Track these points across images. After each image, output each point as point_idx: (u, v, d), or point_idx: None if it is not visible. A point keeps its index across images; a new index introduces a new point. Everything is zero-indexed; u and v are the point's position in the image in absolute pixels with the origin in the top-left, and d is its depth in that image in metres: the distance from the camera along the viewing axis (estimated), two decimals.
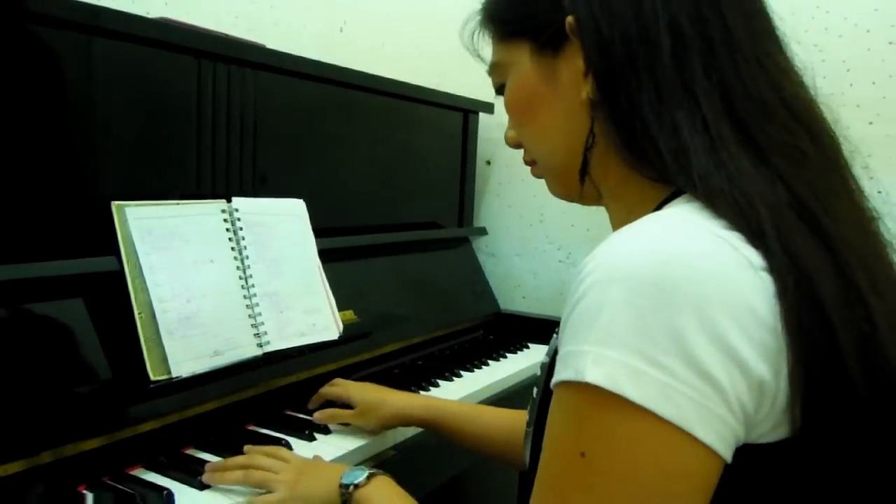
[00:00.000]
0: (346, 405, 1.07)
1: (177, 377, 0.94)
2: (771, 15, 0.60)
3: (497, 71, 0.68)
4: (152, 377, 0.92)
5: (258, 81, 1.14)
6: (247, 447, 0.92)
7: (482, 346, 1.60)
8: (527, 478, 0.58)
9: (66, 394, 0.84)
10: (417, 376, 1.31)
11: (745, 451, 0.48)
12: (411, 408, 1.02)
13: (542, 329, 1.67)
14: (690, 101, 0.54)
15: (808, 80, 0.59)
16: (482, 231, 1.85)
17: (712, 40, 0.55)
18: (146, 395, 0.91)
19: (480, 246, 1.88)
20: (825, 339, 0.47)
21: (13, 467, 0.77)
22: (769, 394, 0.47)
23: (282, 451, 0.90)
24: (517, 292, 1.88)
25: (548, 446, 0.51)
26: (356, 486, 0.77)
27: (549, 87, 0.62)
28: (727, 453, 0.46)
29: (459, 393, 1.27)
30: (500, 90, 0.69)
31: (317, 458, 0.93)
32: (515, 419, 0.96)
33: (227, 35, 1.14)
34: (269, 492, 0.82)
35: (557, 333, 0.64)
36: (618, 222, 0.64)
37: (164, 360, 0.94)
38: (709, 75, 0.55)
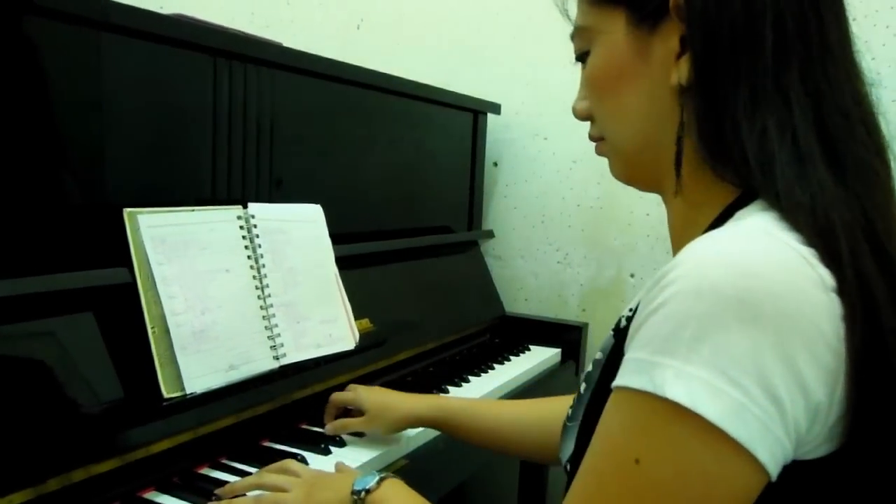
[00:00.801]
0: (359, 412, 1.04)
1: (191, 394, 0.90)
2: (849, 17, 0.58)
3: (583, 35, 0.64)
4: (165, 394, 0.88)
5: (275, 81, 1.10)
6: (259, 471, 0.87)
7: (488, 350, 1.60)
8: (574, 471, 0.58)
9: (75, 414, 0.80)
10: (429, 383, 1.30)
11: (790, 467, 0.49)
12: (420, 408, 1.00)
13: (542, 331, 1.70)
14: (784, 107, 0.52)
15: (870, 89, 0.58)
16: (490, 234, 1.84)
17: (811, 43, 0.54)
18: (159, 413, 0.87)
19: (487, 248, 1.87)
20: (883, 364, 0.47)
21: (18, 497, 0.72)
22: (822, 414, 0.47)
23: (292, 464, 0.86)
24: (520, 294, 1.88)
25: (600, 446, 0.51)
26: (368, 492, 0.75)
27: (638, 64, 0.59)
28: (776, 472, 0.47)
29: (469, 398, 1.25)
30: (581, 57, 0.65)
31: (338, 464, 0.91)
32: (523, 411, 0.97)
33: (242, 32, 1.09)
34: None
35: (613, 331, 0.65)
36: (678, 217, 0.62)
37: (178, 376, 0.89)
38: (804, 81, 0.53)
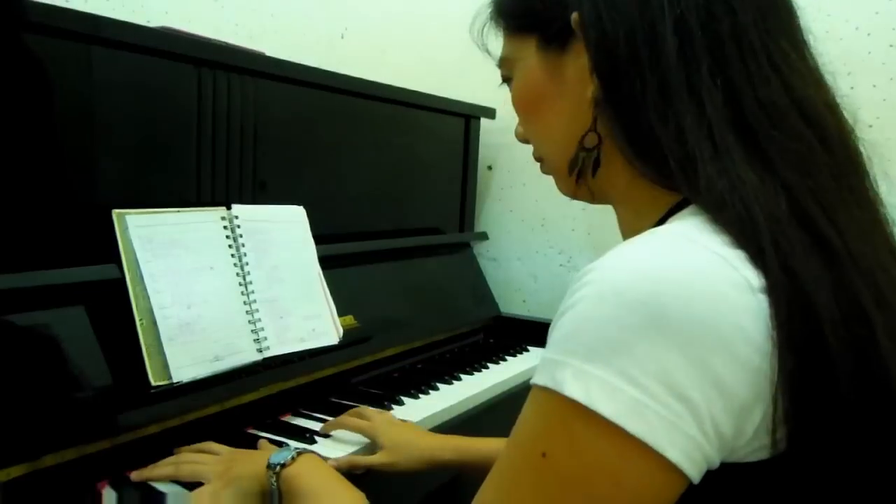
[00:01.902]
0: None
1: (178, 382, 0.95)
2: (791, 8, 0.58)
3: (505, 65, 0.67)
4: (153, 383, 0.93)
5: (258, 89, 1.15)
6: (177, 449, 0.93)
7: (482, 349, 1.60)
8: None
9: (68, 399, 0.85)
10: (417, 379, 1.32)
11: (725, 471, 0.48)
12: (442, 450, 0.97)
13: (542, 332, 1.61)
14: (696, 105, 0.52)
15: (829, 78, 0.57)
16: (483, 236, 1.85)
17: (721, 38, 0.54)
18: (147, 399, 0.92)
19: (482, 251, 1.89)
20: (819, 360, 0.46)
21: (15, 471, 0.79)
22: (752, 416, 0.47)
23: (212, 445, 0.90)
24: (517, 296, 1.88)
25: (513, 439, 0.52)
26: (283, 466, 0.78)
27: (554, 84, 0.61)
28: (694, 472, 0.47)
29: (459, 396, 1.27)
30: (506, 82, 0.68)
31: (261, 442, 0.94)
32: None
33: (227, 43, 1.15)
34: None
35: None
36: (625, 225, 0.64)
37: (165, 365, 0.94)
38: (714, 76, 0.53)
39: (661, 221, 0.56)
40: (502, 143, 1.87)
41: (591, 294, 0.48)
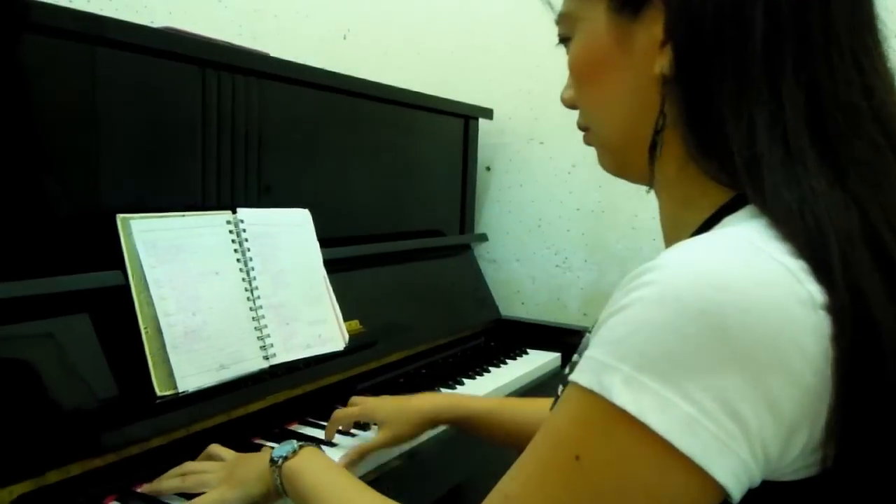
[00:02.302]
0: (365, 426, 1.04)
1: (183, 392, 0.93)
2: (874, 1, 0.53)
3: (565, 22, 0.61)
4: (158, 392, 0.91)
5: (263, 90, 1.13)
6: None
7: (483, 353, 1.60)
8: None
9: (72, 411, 0.83)
10: (421, 385, 1.31)
11: (765, 489, 0.46)
12: (438, 407, 0.98)
13: (540, 335, 1.68)
14: (774, 101, 0.48)
15: None
16: (483, 237, 1.85)
17: (810, 28, 0.49)
18: (153, 410, 0.90)
19: (481, 252, 1.88)
20: (876, 386, 0.44)
21: (19, 488, 0.76)
22: (800, 438, 0.45)
23: (217, 449, 0.89)
24: (516, 298, 1.88)
25: (547, 433, 0.49)
26: (285, 459, 0.77)
27: (620, 53, 0.56)
28: (737, 493, 0.45)
29: None
30: (563, 42, 0.62)
31: (264, 448, 0.92)
32: (537, 410, 0.95)
33: (231, 44, 1.13)
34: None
35: (590, 332, 0.63)
36: (668, 215, 0.60)
37: (171, 374, 0.92)
38: (798, 73, 0.49)
39: (714, 218, 0.52)
40: (499, 143, 1.87)
41: (649, 297, 0.45)
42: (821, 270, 0.44)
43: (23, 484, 0.76)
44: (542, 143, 1.82)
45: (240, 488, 0.80)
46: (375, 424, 1.01)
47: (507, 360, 1.54)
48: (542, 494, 0.47)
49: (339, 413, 1.03)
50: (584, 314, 1.79)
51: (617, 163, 0.62)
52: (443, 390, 1.30)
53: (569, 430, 0.47)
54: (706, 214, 0.53)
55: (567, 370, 0.69)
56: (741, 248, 0.46)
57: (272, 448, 0.83)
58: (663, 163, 0.57)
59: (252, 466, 0.81)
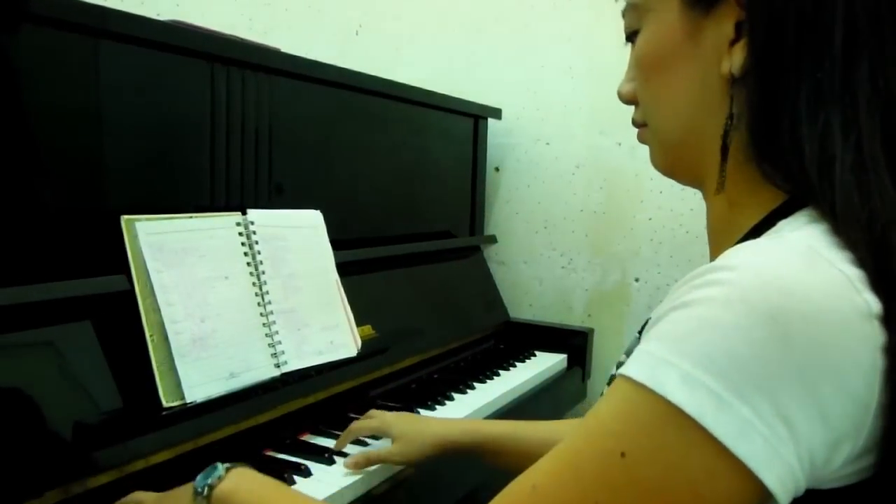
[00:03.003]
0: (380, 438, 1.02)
1: (191, 402, 0.89)
2: None
3: (633, 13, 0.60)
4: (165, 403, 0.87)
5: (273, 87, 1.09)
6: None
7: (493, 356, 1.59)
8: None
9: (73, 425, 0.79)
10: (433, 390, 1.29)
11: (808, 496, 0.46)
12: (454, 432, 0.96)
13: (548, 337, 1.68)
14: (850, 107, 0.49)
15: None
16: (492, 239, 1.83)
17: (884, 41, 0.49)
18: (159, 423, 0.86)
19: (490, 254, 1.86)
20: None
21: None
22: (846, 447, 0.44)
23: (139, 495, 0.79)
24: (524, 300, 1.87)
25: (588, 428, 0.48)
26: (211, 487, 0.69)
27: (689, 48, 0.55)
28: (784, 498, 0.44)
29: (473, 405, 1.26)
30: (630, 37, 0.61)
31: None
32: (554, 432, 0.94)
33: (241, 39, 1.09)
34: None
35: (639, 333, 0.62)
36: (717, 217, 0.58)
37: (178, 384, 0.88)
38: (875, 80, 0.49)
39: (767, 221, 0.52)
40: (507, 143, 1.84)
41: (716, 296, 0.44)
42: (880, 280, 0.44)
43: None
44: (548, 143, 1.80)
45: None
46: (389, 438, 0.98)
47: (516, 363, 1.54)
48: (576, 489, 0.46)
49: (356, 425, 1.01)
50: (589, 315, 1.80)
51: (671, 161, 0.61)
52: (455, 396, 1.28)
53: (613, 425, 0.46)
54: (756, 218, 0.53)
55: (607, 379, 0.67)
56: (804, 254, 0.45)
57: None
58: (718, 164, 0.55)
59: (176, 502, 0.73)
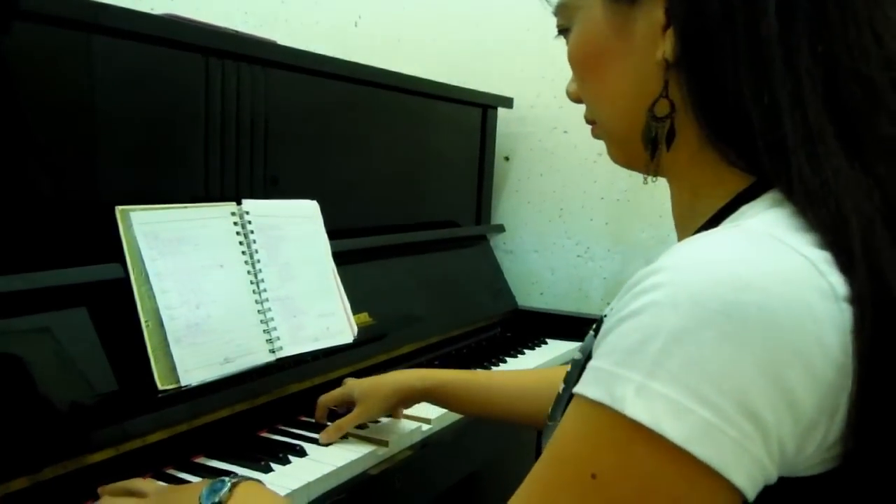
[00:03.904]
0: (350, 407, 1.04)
1: (186, 386, 0.91)
2: None
3: (563, 13, 0.60)
4: (160, 387, 0.89)
5: (269, 79, 1.11)
6: (100, 489, 0.81)
7: (499, 343, 1.59)
8: None
9: (70, 406, 0.82)
10: None
11: (782, 485, 0.45)
12: (410, 380, 1.00)
13: (560, 325, 1.67)
14: (792, 79, 0.46)
15: None
16: (500, 228, 1.82)
17: (824, 2, 0.47)
18: (154, 404, 0.89)
19: (498, 243, 1.86)
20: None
21: (15, 484, 0.75)
22: (818, 433, 0.43)
23: (137, 483, 0.79)
24: (535, 289, 1.86)
25: (555, 453, 0.46)
26: (217, 503, 0.68)
27: (619, 40, 0.54)
28: (752, 493, 0.43)
29: None
30: (562, 33, 0.61)
31: (204, 481, 0.74)
32: (515, 377, 0.98)
33: (236, 31, 1.10)
34: None
35: (594, 331, 0.62)
36: (681, 204, 0.58)
37: (173, 368, 0.91)
38: (814, 46, 0.47)
39: (730, 206, 0.50)
40: (519, 132, 1.83)
41: (661, 300, 0.42)
42: (842, 258, 0.43)
43: (19, 480, 0.75)
44: (566, 131, 1.78)
45: None
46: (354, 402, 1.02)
47: (525, 350, 1.54)
48: None
49: (323, 397, 1.05)
50: (608, 304, 1.75)
51: (625, 154, 0.60)
52: None
53: (578, 449, 0.45)
54: (721, 202, 0.51)
55: (563, 375, 0.67)
56: (760, 241, 0.44)
57: (204, 480, 0.73)
58: (674, 150, 0.54)
59: None
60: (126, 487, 0.79)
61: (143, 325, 0.90)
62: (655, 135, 0.53)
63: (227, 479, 0.70)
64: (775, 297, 0.41)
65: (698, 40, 0.49)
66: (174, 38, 0.97)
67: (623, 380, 0.42)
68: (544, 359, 1.49)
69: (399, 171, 1.46)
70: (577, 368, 0.61)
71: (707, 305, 0.41)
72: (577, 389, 0.45)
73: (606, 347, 0.44)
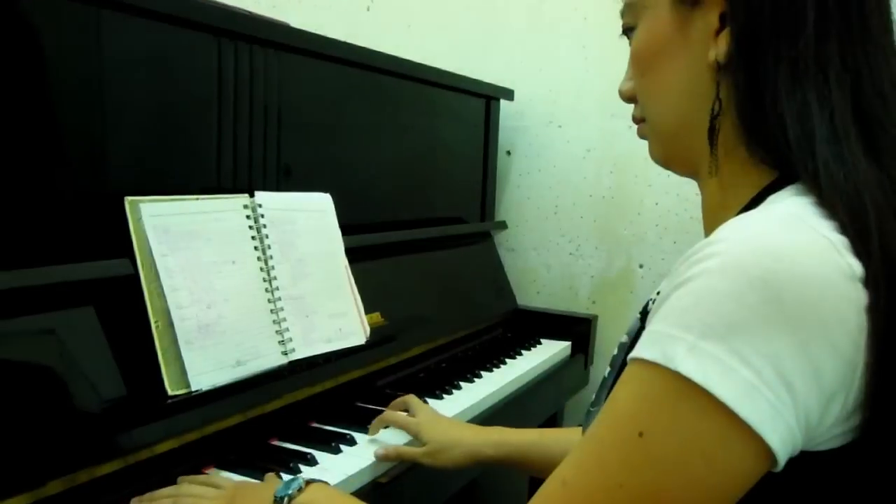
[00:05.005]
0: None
1: (197, 391, 0.86)
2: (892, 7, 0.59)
3: (630, 11, 0.64)
4: (170, 392, 0.84)
5: (282, 63, 1.05)
6: (180, 478, 0.84)
7: (501, 344, 1.57)
8: None
9: (75, 413, 0.76)
10: (441, 380, 1.27)
11: (801, 459, 0.48)
12: (486, 447, 0.95)
13: (553, 324, 1.67)
14: (824, 84, 0.52)
15: None
16: (503, 225, 1.79)
17: (850, 22, 0.54)
18: (164, 411, 0.83)
19: (500, 240, 1.83)
20: None
21: (16, 502, 0.69)
22: (836, 405, 0.47)
23: (214, 478, 0.83)
24: (532, 287, 1.84)
25: (607, 415, 0.50)
26: (290, 498, 0.73)
27: (680, 41, 0.59)
28: (783, 460, 0.47)
29: (480, 394, 1.25)
30: (626, 33, 0.65)
31: (268, 475, 0.84)
32: (578, 436, 0.92)
33: (249, 12, 1.05)
34: None
35: (641, 315, 0.65)
36: (711, 199, 0.61)
37: (183, 372, 0.86)
38: (844, 59, 0.53)
39: (757, 199, 0.55)
40: (519, 126, 1.79)
41: (713, 267, 0.47)
42: (860, 242, 0.47)
43: (20, 497, 0.69)
44: (560, 126, 1.76)
45: None
46: (421, 442, 0.97)
47: (523, 352, 1.53)
48: (601, 477, 0.49)
49: (392, 416, 1.01)
50: (593, 302, 1.78)
51: (667, 152, 0.64)
52: (463, 385, 1.26)
53: (631, 407, 0.48)
54: (749, 195, 0.56)
55: (610, 360, 0.70)
56: (790, 222, 0.48)
57: (275, 477, 0.81)
58: (710, 149, 0.59)
59: (253, 502, 0.75)
60: (205, 480, 0.82)
61: (153, 325, 0.84)
62: (713, 130, 0.58)
63: (300, 477, 0.75)
64: (804, 270, 0.45)
65: (750, 44, 0.54)
66: (186, 17, 0.92)
67: (677, 340, 0.46)
68: (539, 359, 1.48)
69: (408, 162, 1.42)
70: (624, 351, 0.65)
71: (750, 272, 0.45)
72: (633, 354, 0.49)
73: (663, 312, 0.48)
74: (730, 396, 0.44)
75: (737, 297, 0.45)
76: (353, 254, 1.14)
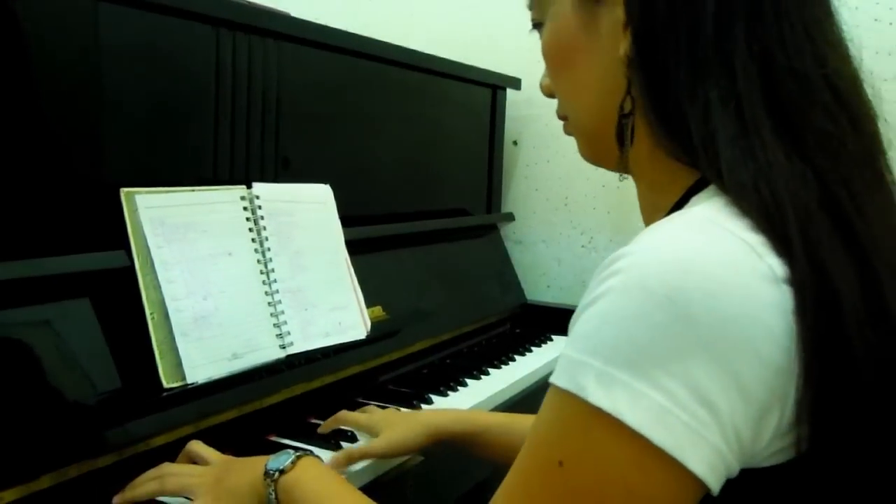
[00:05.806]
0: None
1: (192, 384, 0.86)
2: None
3: (536, 8, 0.61)
4: (166, 384, 0.84)
5: (282, 53, 1.04)
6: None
7: (509, 340, 1.54)
8: None
9: (69, 406, 0.76)
10: (446, 376, 1.25)
11: (744, 477, 0.46)
12: (443, 422, 0.92)
13: (565, 320, 1.57)
14: (727, 76, 0.49)
15: (854, 52, 0.53)
16: (510, 217, 1.77)
17: (760, 4, 0.50)
18: (159, 404, 0.83)
19: (507, 233, 1.80)
20: (842, 359, 0.44)
21: (8, 495, 0.69)
22: (771, 419, 0.44)
23: (199, 448, 0.81)
24: (542, 281, 1.81)
25: (531, 441, 0.49)
26: (281, 472, 0.71)
27: (587, 37, 0.56)
28: (715, 483, 0.44)
29: (487, 392, 1.22)
30: (536, 27, 0.62)
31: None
32: None
33: (248, 2, 1.04)
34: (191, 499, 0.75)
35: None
36: (644, 201, 0.60)
37: (179, 364, 0.85)
38: (750, 45, 0.49)
39: (682, 201, 0.53)
40: (527, 115, 1.77)
41: (616, 287, 0.45)
42: (780, 243, 0.45)
43: (12, 490, 0.69)
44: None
45: (228, 500, 0.73)
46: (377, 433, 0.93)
47: (532, 348, 1.49)
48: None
49: (344, 414, 0.97)
50: None
51: (593, 150, 0.62)
52: (469, 382, 1.24)
53: (550, 436, 0.47)
54: (675, 197, 0.53)
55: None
56: (702, 227, 0.46)
57: (266, 459, 0.75)
58: (635, 148, 0.56)
59: (243, 476, 0.74)
60: (187, 453, 0.80)
61: (149, 317, 0.84)
62: (624, 131, 0.55)
63: (290, 451, 0.73)
64: (717, 281, 0.43)
65: (647, 39, 0.52)
66: (183, 7, 0.91)
67: (585, 366, 0.44)
68: (550, 356, 1.44)
69: (411, 153, 1.40)
70: None
71: (655, 291, 0.43)
72: (551, 379, 0.47)
73: (573, 335, 0.47)
74: (640, 423, 0.42)
75: (642, 317, 0.43)
76: (354, 246, 1.12)
